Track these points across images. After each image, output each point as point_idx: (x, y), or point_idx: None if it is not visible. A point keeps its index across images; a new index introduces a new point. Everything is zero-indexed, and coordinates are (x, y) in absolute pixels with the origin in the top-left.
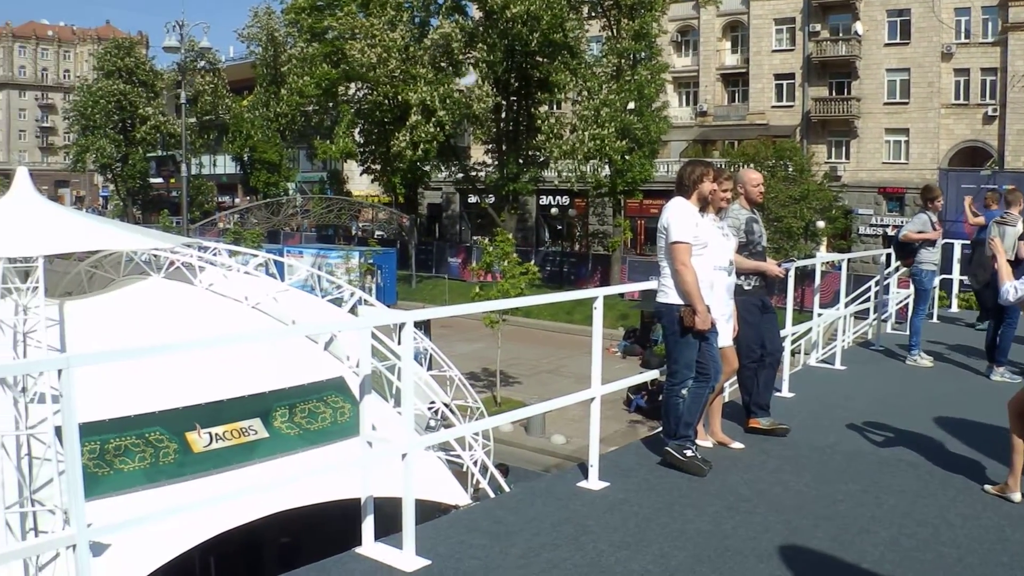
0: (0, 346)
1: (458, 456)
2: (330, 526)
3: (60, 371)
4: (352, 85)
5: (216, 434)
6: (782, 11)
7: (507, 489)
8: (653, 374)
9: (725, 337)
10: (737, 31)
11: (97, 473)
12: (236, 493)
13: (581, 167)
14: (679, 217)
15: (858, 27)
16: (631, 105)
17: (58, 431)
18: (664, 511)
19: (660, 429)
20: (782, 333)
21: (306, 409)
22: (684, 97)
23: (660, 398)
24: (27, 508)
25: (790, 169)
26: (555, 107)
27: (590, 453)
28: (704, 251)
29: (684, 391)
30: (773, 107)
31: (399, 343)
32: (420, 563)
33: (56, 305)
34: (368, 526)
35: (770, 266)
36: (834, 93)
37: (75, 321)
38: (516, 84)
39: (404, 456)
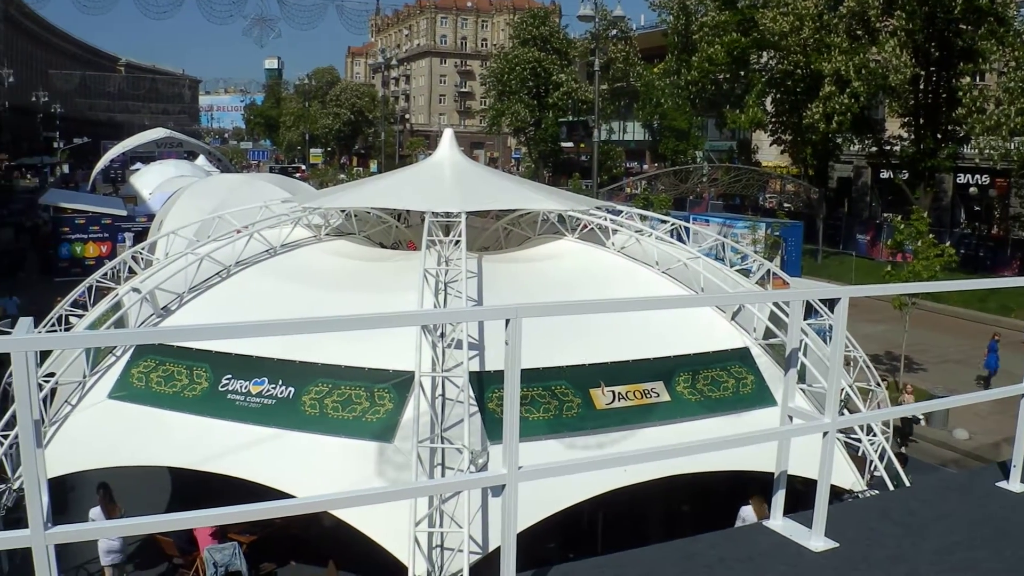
0: (424, 294)
1: (858, 440)
2: (700, 493)
3: (508, 320)
4: (763, 54)
5: (619, 393)
6: None
7: (906, 480)
8: None
9: None
10: None
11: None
12: (670, 452)
13: (1006, 144)
14: None
15: None
16: None
17: (472, 376)
18: None
19: None
20: None
21: (709, 376)
22: None
23: None
24: (437, 444)
25: None
26: (978, 78)
27: (1015, 453)
28: None
29: None
30: None
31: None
32: (828, 544)
33: (475, 258)
34: (779, 500)
35: None
36: None
37: (492, 274)
38: (936, 54)
39: (825, 435)
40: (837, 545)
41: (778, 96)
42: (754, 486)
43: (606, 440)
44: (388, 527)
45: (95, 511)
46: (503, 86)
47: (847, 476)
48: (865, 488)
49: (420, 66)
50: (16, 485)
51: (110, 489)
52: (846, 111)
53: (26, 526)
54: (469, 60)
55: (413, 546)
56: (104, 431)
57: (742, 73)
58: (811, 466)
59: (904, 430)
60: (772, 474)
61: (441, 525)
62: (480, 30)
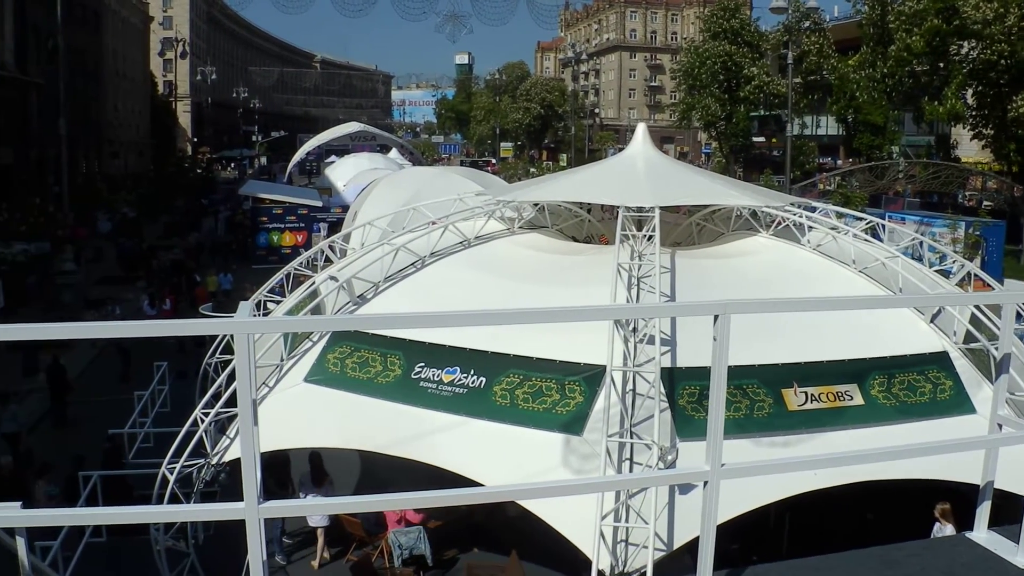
0: (616, 289)
1: None
2: (884, 500)
3: (716, 316)
4: (964, 43)
5: (812, 394)
6: None
7: None
8: None
9: None
10: None
11: (694, 416)
12: (872, 456)
13: None
14: None
15: None
16: None
17: (663, 372)
18: None
19: None
20: None
21: (905, 381)
22: None
23: None
24: (626, 440)
25: None
26: None
27: None
28: None
29: None
30: None
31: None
32: None
33: (668, 254)
34: (984, 511)
35: None
36: None
37: (685, 270)
38: None
39: None
40: None
41: (980, 88)
42: (944, 496)
43: (796, 442)
44: (574, 520)
45: (304, 477)
46: (693, 80)
47: None
48: None
49: (610, 60)
50: (215, 461)
51: (321, 459)
52: None
53: (219, 500)
54: (659, 54)
55: (598, 540)
56: (299, 413)
57: (941, 64)
58: (1011, 478)
59: None
60: (964, 484)
61: (627, 520)
62: (670, 24)
